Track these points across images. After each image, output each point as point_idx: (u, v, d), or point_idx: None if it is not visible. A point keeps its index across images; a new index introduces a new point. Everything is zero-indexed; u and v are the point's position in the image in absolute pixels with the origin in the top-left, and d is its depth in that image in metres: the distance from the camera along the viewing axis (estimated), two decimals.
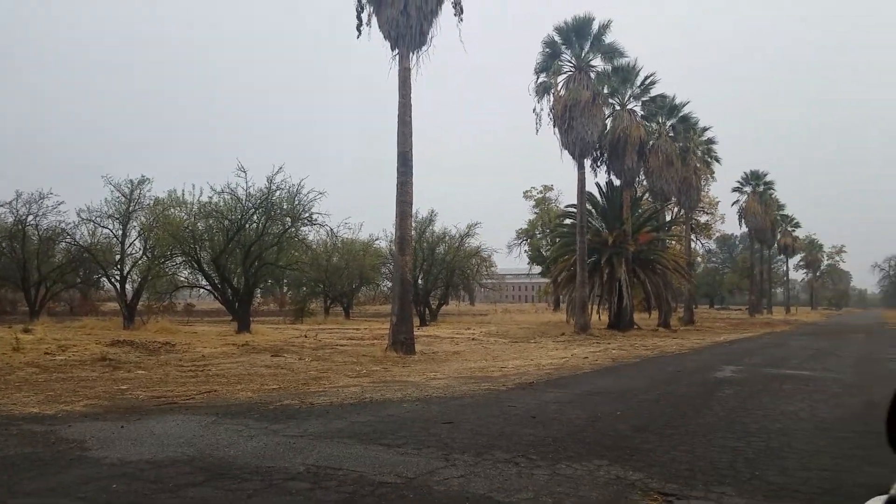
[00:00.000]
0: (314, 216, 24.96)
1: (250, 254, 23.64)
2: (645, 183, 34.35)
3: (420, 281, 35.29)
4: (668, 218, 39.59)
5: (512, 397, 8.94)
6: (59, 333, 17.22)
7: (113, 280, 26.28)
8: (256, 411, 7.77)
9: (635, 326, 28.99)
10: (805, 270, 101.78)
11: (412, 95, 16.73)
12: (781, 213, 67.44)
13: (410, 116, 16.77)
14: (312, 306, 39.75)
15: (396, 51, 16.87)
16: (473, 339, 22.49)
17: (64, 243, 27.96)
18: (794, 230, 75.55)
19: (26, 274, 26.38)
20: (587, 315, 26.96)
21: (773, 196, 59.41)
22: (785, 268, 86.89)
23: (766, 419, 7.48)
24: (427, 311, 36.73)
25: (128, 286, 26.05)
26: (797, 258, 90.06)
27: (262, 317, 35.01)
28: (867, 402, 8.84)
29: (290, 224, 24.78)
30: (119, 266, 25.88)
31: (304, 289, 38.35)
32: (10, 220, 26.71)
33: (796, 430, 6.86)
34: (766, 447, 6.03)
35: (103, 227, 26.21)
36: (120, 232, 25.62)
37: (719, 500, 4.41)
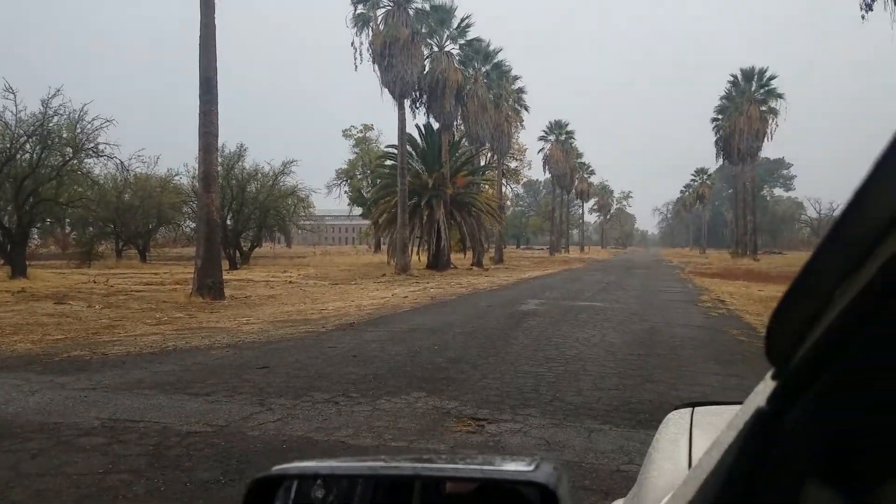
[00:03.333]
0: (100, 146, 22.08)
1: (23, 188, 20.34)
2: (462, 128, 35.42)
3: (230, 221, 33.27)
4: (482, 163, 41.47)
5: (332, 338, 8.89)
6: None
7: None
8: (38, 363, 6.91)
9: (452, 266, 30.40)
10: (598, 213, 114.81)
11: (216, 18, 15.22)
12: (580, 160, 74.44)
13: (214, 40, 15.29)
14: (101, 249, 35.56)
15: None
16: (290, 282, 21.91)
17: None
18: (589, 177, 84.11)
19: None
20: (408, 256, 27.60)
21: (573, 145, 65.16)
22: (581, 211, 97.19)
23: (564, 346, 8.30)
24: (238, 254, 34.90)
25: None
26: (591, 202, 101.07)
27: (43, 261, 30.60)
28: (650, 329, 10.22)
29: (71, 155, 21.68)
30: None
31: (91, 229, 34.11)
32: None
33: (590, 355, 7.68)
34: (565, 371, 6.70)
35: None
36: None
37: (525, 421, 4.81)
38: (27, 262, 21.47)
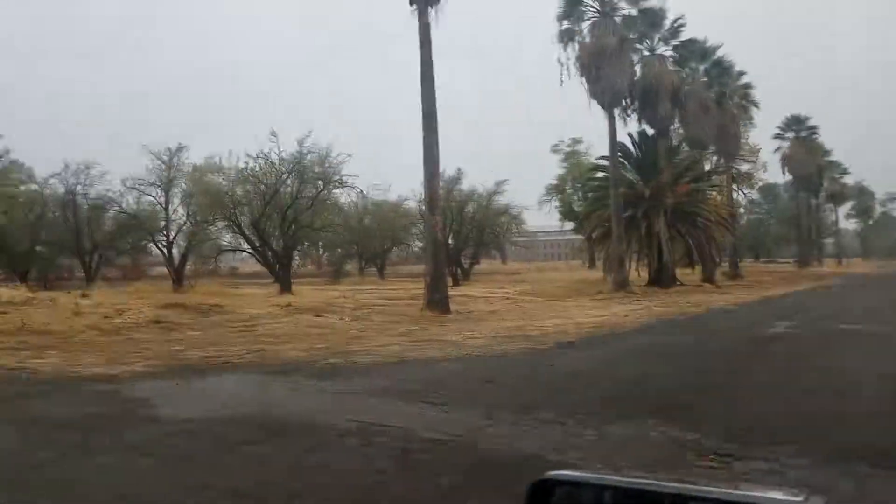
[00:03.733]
0: (344, 178, 25.21)
1: (287, 217, 24.05)
2: (681, 132, 33.24)
3: (451, 240, 35.35)
4: (707, 168, 38.29)
5: (553, 356, 8.98)
6: (114, 298, 17.84)
7: (160, 245, 27.16)
8: (305, 369, 7.97)
9: (677, 283, 28.41)
10: (856, 220, 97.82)
11: (433, 52, 16.39)
12: (828, 159, 64.70)
13: (433, 74, 16.43)
14: (348, 267, 40.40)
15: (415, 6, 16.47)
16: (508, 297, 22.49)
17: (112, 211, 28.89)
18: (842, 177, 72.49)
19: (80, 241, 27.39)
20: (625, 271, 26.56)
21: (817, 141, 56.97)
22: (834, 217, 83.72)
23: (824, 376, 7.23)
24: (459, 271, 36.86)
25: (174, 251, 26.93)
26: (847, 206, 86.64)
27: (302, 278, 35.68)
28: None
29: (322, 187, 25.07)
30: (165, 232, 26.69)
31: (340, 250, 38.93)
32: (62, 189, 27.65)
33: (854, 388, 6.59)
34: (826, 405, 5.81)
35: (147, 194, 27.00)
36: (163, 199, 26.36)
37: (780, 460, 4.20)
38: (292, 280, 25.30)
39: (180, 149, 26.18)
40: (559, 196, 61.27)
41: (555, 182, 61.87)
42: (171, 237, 26.59)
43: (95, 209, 28.20)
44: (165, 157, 25.89)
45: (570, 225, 62.14)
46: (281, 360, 8.73)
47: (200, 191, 25.17)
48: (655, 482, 0.97)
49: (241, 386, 6.90)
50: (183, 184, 26.37)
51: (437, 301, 16.01)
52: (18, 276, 25.88)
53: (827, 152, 63.19)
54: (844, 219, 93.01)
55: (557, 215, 62.48)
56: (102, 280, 28.13)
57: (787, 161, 53.75)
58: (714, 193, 37.03)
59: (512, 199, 40.20)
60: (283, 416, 5.58)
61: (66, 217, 27.64)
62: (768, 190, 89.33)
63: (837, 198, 74.36)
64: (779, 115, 59.24)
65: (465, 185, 37.18)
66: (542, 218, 67.29)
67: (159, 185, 26.27)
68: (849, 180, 77.13)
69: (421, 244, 33.76)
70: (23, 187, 25.14)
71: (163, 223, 26.96)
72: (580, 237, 48.14)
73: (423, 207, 20.07)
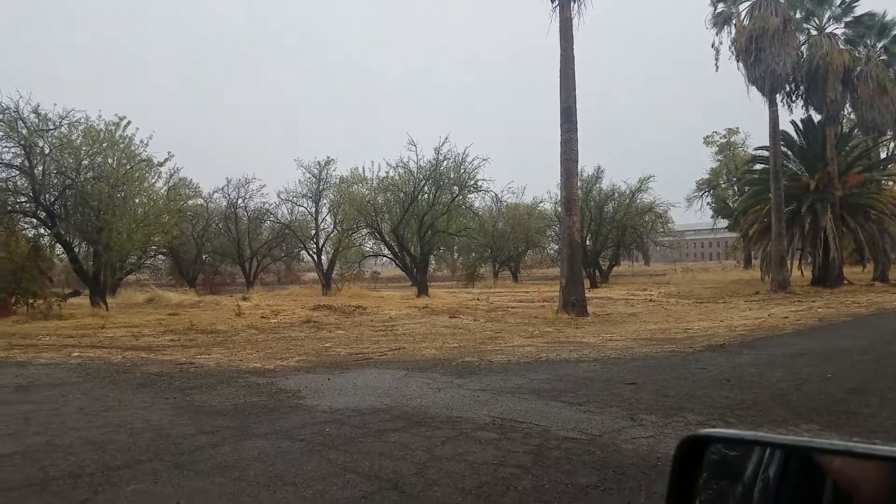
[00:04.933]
0: (479, 183, 25.53)
1: (424, 223, 24.86)
2: (853, 117, 29.71)
3: (588, 242, 34.45)
4: (882, 155, 33.95)
5: (700, 359, 8.43)
6: (270, 300, 19.68)
7: (311, 252, 29.42)
8: (441, 367, 8.22)
9: (845, 282, 25.54)
10: None
11: (574, 47, 16.15)
12: None
13: (573, 69, 16.19)
14: (482, 271, 40.86)
15: (556, 1, 16.34)
16: (651, 300, 21.49)
17: (269, 222, 31.81)
18: None
19: (240, 250, 30.44)
20: (785, 271, 24.32)
21: None
22: None
23: None
24: (598, 273, 35.81)
25: (323, 257, 29.01)
26: None
27: (437, 282, 36.71)
28: None
29: (457, 192, 25.58)
30: (315, 239, 28.85)
31: (474, 254, 39.50)
32: (224, 203, 30.90)
33: None
34: None
35: (299, 205, 29.40)
36: (313, 209, 28.51)
37: None
38: (428, 283, 26.14)
39: (329, 162, 28.18)
40: (711, 191, 57.38)
41: (707, 176, 58.07)
42: (321, 244, 28.62)
43: (254, 220, 31.15)
44: (315, 171, 27.96)
45: (723, 223, 58.02)
46: (418, 358, 9.04)
47: (346, 200, 26.82)
48: (809, 439, 0.96)
49: (382, 380, 7.24)
50: (331, 194, 28.30)
51: (574, 303, 15.70)
52: (187, 281, 29.29)
53: None
54: None
55: (709, 212, 58.65)
56: (260, 284, 31.07)
57: None
58: (891, 184, 32.73)
59: (658, 197, 38.48)
60: (421, 409, 5.78)
61: (227, 228, 30.80)
62: None
63: None
64: None
65: (606, 183, 36.14)
66: (692, 216, 63.62)
67: (310, 197, 28.44)
68: None
69: (556, 246, 33.26)
70: (190, 202, 28.18)
71: (313, 231, 29.12)
72: (734, 235, 44.75)
73: (559, 208, 19.75)
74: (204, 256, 31.08)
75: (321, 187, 28.47)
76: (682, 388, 6.54)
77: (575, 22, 16.17)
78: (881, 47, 29.20)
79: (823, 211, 25.15)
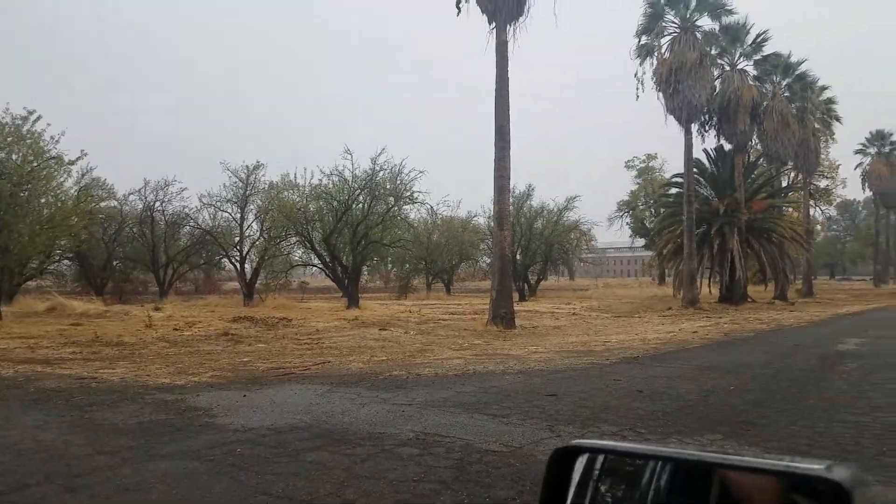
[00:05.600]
0: (415, 195, 25.56)
1: (357, 233, 24.60)
2: (759, 147, 32.03)
3: (519, 256, 35.16)
4: (784, 183, 36.77)
5: (616, 371, 8.79)
6: (185, 311, 18.81)
7: (233, 260, 28.34)
8: (367, 381, 8.11)
9: (749, 300, 27.35)
10: None
11: (510, 69, 16.55)
12: None
13: (508, 90, 16.59)
14: (415, 282, 40.84)
15: (493, 24, 16.75)
16: (574, 313, 22.19)
17: (188, 227, 30.40)
18: None
19: (155, 256, 28.92)
20: (695, 288, 25.75)
21: None
22: None
23: (894, 394, 6.89)
24: (526, 287, 36.58)
25: (247, 266, 28.02)
26: None
27: (369, 293, 36.35)
28: None
29: (393, 203, 25.49)
30: (238, 247, 27.84)
31: (408, 266, 39.42)
32: (140, 206, 29.34)
33: None
34: (893, 424, 5.58)
35: (223, 210, 28.30)
36: (238, 215, 27.54)
37: None
38: (359, 295, 25.82)
39: (258, 166, 27.37)
40: (631, 212, 60.00)
41: (627, 198, 60.70)
42: (245, 252, 27.68)
43: (172, 225, 29.72)
44: (243, 175, 27.10)
45: (640, 242, 60.66)
46: (345, 373, 8.89)
47: (275, 207, 26.14)
48: (679, 450, 0.99)
49: (303, 397, 7.07)
50: (258, 200, 27.47)
51: (503, 316, 15.99)
52: (95, 289, 27.51)
53: None
54: None
55: (628, 232, 61.23)
56: (175, 294, 29.64)
57: (867, 177, 50.98)
58: (790, 210, 35.43)
59: (582, 216, 39.80)
60: (343, 426, 5.66)
61: (142, 232, 29.24)
62: (846, 206, 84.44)
63: None
64: (864, 130, 56.14)
65: (536, 200, 37.06)
66: (612, 234, 66.09)
67: (235, 202, 27.49)
68: None
69: (489, 260, 33.77)
70: (103, 203, 26.62)
71: (237, 238, 28.14)
72: (651, 253, 46.86)
73: (492, 223, 20.12)
74: (115, 263, 29.33)
75: (248, 192, 27.59)
76: (598, 399, 6.79)
77: (510, 45, 16.62)
78: (785, 85, 31.74)
79: (731, 233, 26.86)
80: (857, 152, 51.94)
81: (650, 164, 59.65)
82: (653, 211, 53.08)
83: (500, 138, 16.54)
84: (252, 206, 27.59)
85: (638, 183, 60.37)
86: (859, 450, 4.74)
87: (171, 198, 28.89)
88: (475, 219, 40.23)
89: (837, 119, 36.86)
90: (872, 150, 51.47)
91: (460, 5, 17.11)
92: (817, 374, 8.43)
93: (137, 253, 29.60)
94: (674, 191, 32.15)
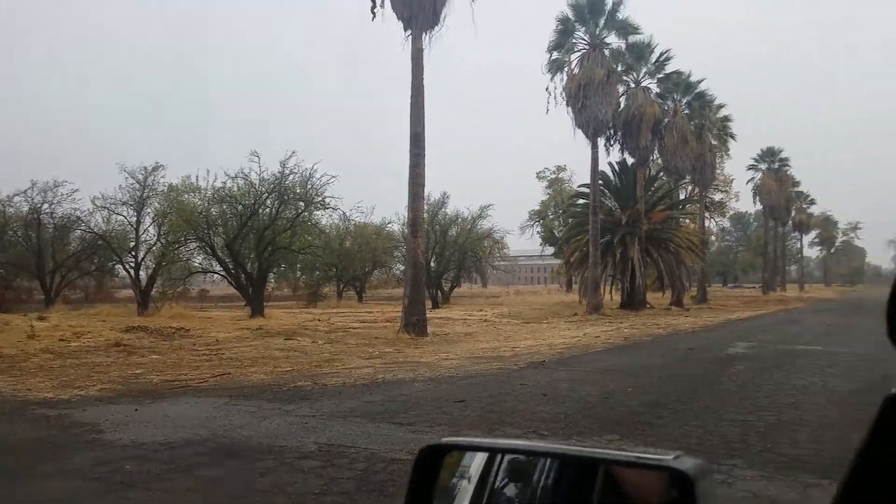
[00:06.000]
0: (327, 200, 25.04)
1: (263, 238, 23.77)
2: (659, 161, 33.98)
3: (433, 263, 35.33)
4: (682, 196, 39.22)
5: (523, 376, 8.96)
6: (74, 320, 17.39)
7: (128, 267, 26.51)
8: (270, 393, 7.84)
9: (648, 305, 28.88)
10: (819, 247, 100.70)
11: (425, 76, 16.59)
12: (797, 189, 66.57)
13: (423, 97, 16.57)
14: (325, 290, 39.93)
15: (409, 31, 16.73)
16: (485, 320, 22.52)
17: (79, 231, 28.16)
18: (808, 207, 74.61)
19: (41, 262, 26.63)
20: (599, 295, 26.86)
21: (788, 173, 58.69)
22: (799, 245, 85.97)
23: (777, 393, 7.48)
24: (439, 294, 36.78)
25: (142, 273, 26.31)
26: (812, 235, 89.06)
27: (276, 301, 35.23)
28: (883, 375, 8.73)
29: (303, 208, 24.86)
30: (134, 253, 26.11)
31: (318, 273, 38.53)
32: (26, 208, 26.94)
33: (808, 403, 6.85)
34: (778, 420, 6.03)
35: (118, 214, 26.37)
36: (134, 219, 25.84)
37: (730, 472, 4.42)
38: (265, 303, 24.92)
39: (157, 168, 25.82)
40: (541, 221, 61.96)
41: (538, 208, 62.67)
42: (140, 258, 26.03)
43: (61, 229, 27.51)
44: (141, 176, 25.51)
45: (550, 250, 62.76)
46: (245, 384, 8.55)
47: (174, 210, 24.76)
48: (541, 444, 1.07)
49: (200, 410, 6.71)
50: (156, 203, 25.93)
51: (414, 323, 15.92)
52: None
53: (796, 183, 65.11)
54: (808, 246, 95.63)
55: (539, 240, 63.24)
56: (64, 302, 27.38)
57: (758, 191, 55.25)
58: (687, 221, 37.83)
59: (496, 224, 40.49)
60: (241, 440, 5.45)
61: (28, 236, 26.92)
62: (739, 218, 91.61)
63: (803, 226, 76.35)
64: (757, 146, 61.19)
65: (451, 208, 37.31)
66: (524, 243, 67.98)
67: (131, 205, 25.80)
68: (815, 210, 79.37)
69: (402, 267, 33.60)
70: None
71: (132, 244, 26.41)
72: (560, 261, 48.51)
73: (406, 230, 20.04)
74: None
75: (146, 195, 25.96)
76: (505, 403, 6.88)
77: (426, 53, 16.67)
78: (685, 102, 33.87)
79: (632, 243, 28.29)
80: (750, 168, 56.25)
81: (560, 176, 62.04)
82: (562, 220, 55.07)
83: (415, 145, 16.54)
84: (150, 210, 26.00)
85: (548, 193, 62.57)
86: (745, 447, 5.05)
87: (61, 200, 26.71)
88: (389, 225, 40.04)
89: (732, 136, 39.58)
90: (763, 166, 55.95)
91: (375, 11, 17.01)
92: (709, 376, 8.97)
93: (21, 258, 27.12)
94: (581, 201, 33.45)
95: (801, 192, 69.66)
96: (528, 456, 1.04)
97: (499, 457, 1.05)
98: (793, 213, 67.70)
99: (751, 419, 6.08)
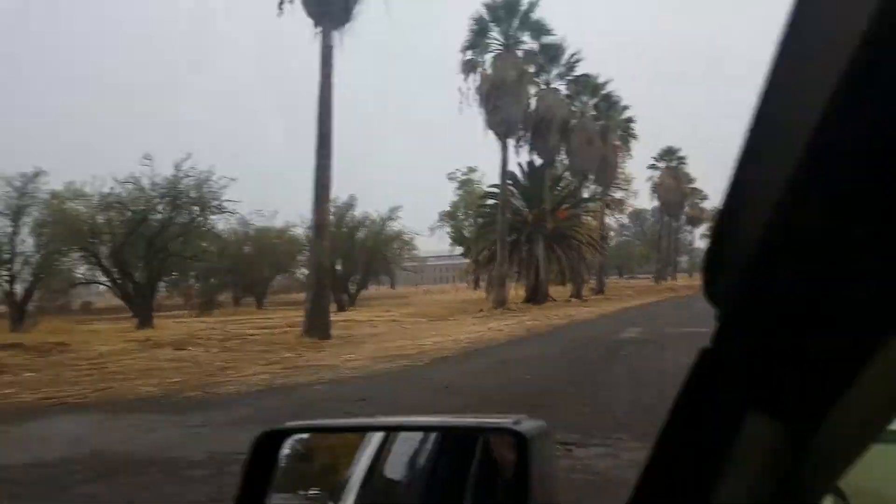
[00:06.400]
0: (224, 204, 23.99)
1: (154, 245, 22.45)
2: (566, 161, 35.06)
3: (339, 267, 34.78)
4: (585, 195, 40.86)
5: (427, 371, 9.03)
6: None
7: (1, 280, 24.23)
8: (157, 405, 7.47)
9: (550, 299, 29.92)
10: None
11: (334, 76, 16.13)
12: (692, 186, 71.24)
13: (331, 97, 16.10)
14: (222, 298, 38.26)
15: (319, 28, 16.24)
16: (393, 320, 22.45)
17: None
18: (701, 202, 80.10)
19: None
20: (505, 290, 27.50)
21: (684, 170, 62.83)
22: (691, 238, 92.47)
23: (663, 373, 7.89)
24: (347, 297, 36.27)
25: (18, 286, 24.11)
26: (703, 228, 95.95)
27: (168, 311, 33.36)
28: None
29: (198, 213, 23.70)
30: (8, 265, 23.89)
31: (213, 280, 36.86)
32: None
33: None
34: (661, 396, 6.37)
35: None
36: (10, 229, 23.65)
37: (616, 445, 4.68)
38: (153, 314, 23.51)
39: (37, 174, 23.73)
40: (451, 222, 62.52)
41: (448, 208, 63.17)
42: (16, 270, 23.84)
43: None
44: (19, 183, 23.35)
45: (459, 249, 63.50)
46: (130, 398, 8.06)
47: (55, 219, 22.91)
48: (379, 419, 1.06)
49: (77, 427, 6.24)
50: (36, 212, 23.86)
51: (317, 327, 15.58)
52: None
53: (692, 180, 69.68)
54: (699, 239, 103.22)
55: (448, 241, 63.80)
56: None
57: (657, 188, 58.77)
58: (590, 218, 39.53)
59: (406, 225, 40.32)
60: (124, 454, 5.16)
61: None
62: (637, 214, 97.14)
63: (695, 221, 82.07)
64: (658, 145, 65.09)
65: (359, 210, 36.80)
66: (434, 243, 68.35)
67: (7, 214, 23.59)
68: (707, 205, 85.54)
69: (307, 271, 32.78)
70: None
71: (7, 256, 24.14)
72: (468, 261, 49.21)
73: (311, 233, 19.54)
74: None
75: (25, 203, 23.80)
76: (407, 399, 6.89)
77: (337, 51, 16.25)
78: (593, 104, 35.21)
79: (537, 241, 29.21)
80: (650, 167, 59.54)
81: (471, 177, 62.92)
82: (472, 221, 55.95)
83: (322, 146, 16.06)
84: (28, 219, 23.88)
85: (459, 194, 63.31)
86: (632, 423, 5.29)
87: None
88: (294, 229, 38.96)
89: (634, 136, 41.43)
90: (662, 165, 59.52)
91: (283, 6, 16.39)
92: (603, 360, 9.43)
93: None
94: (491, 201, 34.04)
95: (696, 189, 74.76)
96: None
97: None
98: (686, 208, 72.48)
99: (637, 396, 6.43)
